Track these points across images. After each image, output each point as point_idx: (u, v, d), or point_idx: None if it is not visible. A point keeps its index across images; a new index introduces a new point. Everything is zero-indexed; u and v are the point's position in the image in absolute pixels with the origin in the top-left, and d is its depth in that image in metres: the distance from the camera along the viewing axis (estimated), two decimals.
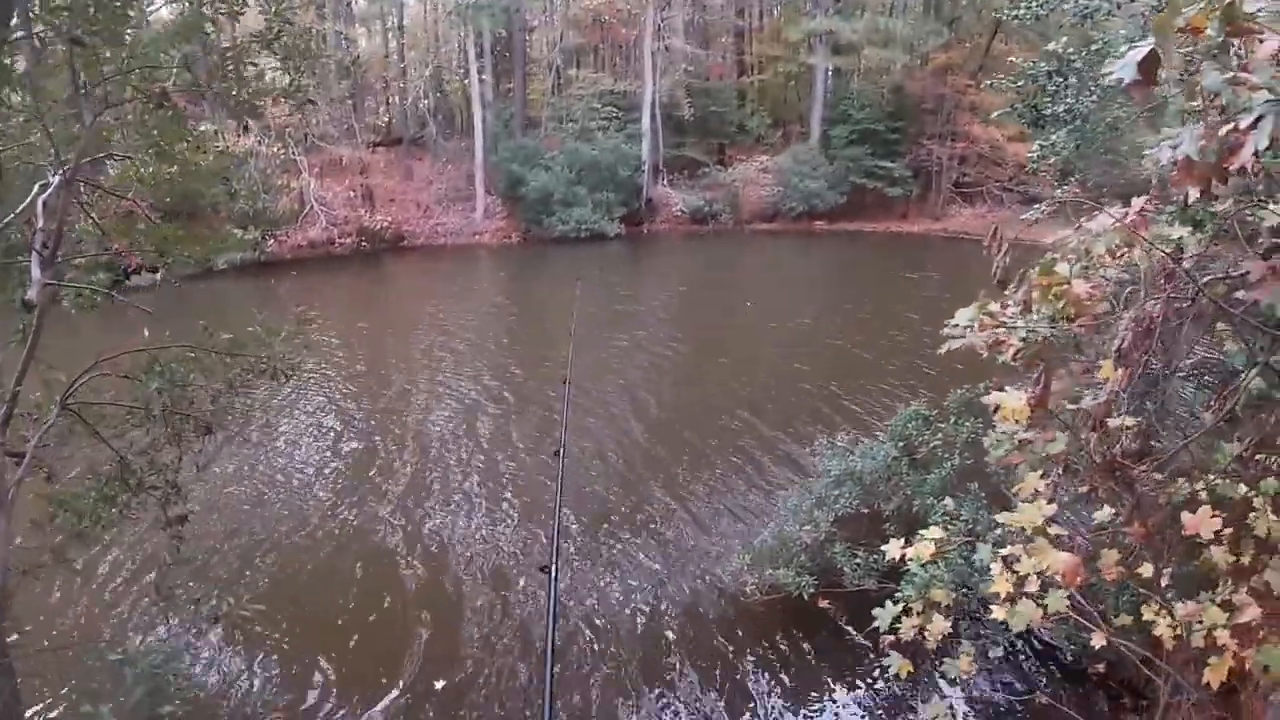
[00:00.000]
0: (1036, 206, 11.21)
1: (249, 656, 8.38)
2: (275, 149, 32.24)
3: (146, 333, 6.33)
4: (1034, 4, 10.03)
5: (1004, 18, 13.61)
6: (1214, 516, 4.48)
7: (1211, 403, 5.06)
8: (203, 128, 6.93)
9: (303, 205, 33.91)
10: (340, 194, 36.04)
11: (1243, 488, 4.70)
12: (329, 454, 13.85)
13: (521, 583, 9.82)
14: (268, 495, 12.17)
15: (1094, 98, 9.30)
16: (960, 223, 39.16)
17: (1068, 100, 9.32)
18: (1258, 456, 4.62)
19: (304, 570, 10.19)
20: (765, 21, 53.47)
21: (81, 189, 5.48)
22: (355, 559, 10.42)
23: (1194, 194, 3.22)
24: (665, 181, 41.31)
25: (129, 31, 5.28)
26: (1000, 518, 4.25)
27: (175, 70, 5.23)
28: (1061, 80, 9.31)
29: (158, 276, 6.57)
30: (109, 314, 6.69)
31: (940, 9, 44.46)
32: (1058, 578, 4.02)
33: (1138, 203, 3.98)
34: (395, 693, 7.90)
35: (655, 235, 39.46)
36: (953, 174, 43.06)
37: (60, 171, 4.97)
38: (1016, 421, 4.12)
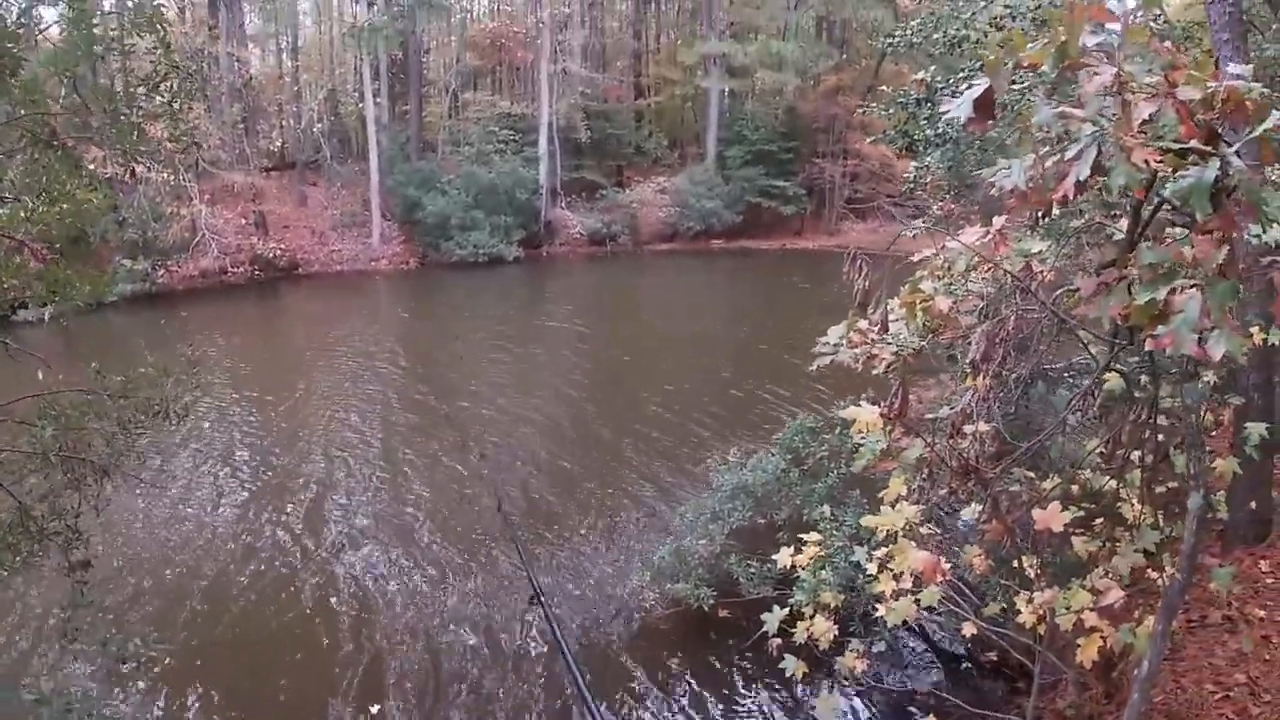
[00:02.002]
0: (914, 224, 11.79)
1: (162, 695, 8.28)
2: (165, 175, 31.26)
3: (41, 375, 6.24)
4: (908, 34, 10.58)
5: (880, 46, 14.15)
6: (1079, 507, 4.84)
7: (1068, 406, 5.44)
8: (91, 165, 6.80)
9: (194, 233, 32.81)
10: (233, 221, 35.06)
11: (1112, 482, 5.09)
12: (232, 492, 13.59)
13: (427, 610, 9.84)
14: (171, 536, 11.92)
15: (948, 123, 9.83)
16: (854, 238, 40.24)
17: (938, 126, 9.83)
18: (1118, 452, 4.98)
19: (215, 609, 10.05)
20: (662, 44, 54.30)
21: None
22: (263, 594, 10.33)
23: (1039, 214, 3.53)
24: (563, 204, 41.43)
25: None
26: (865, 521, 4.54)
27: (63, 111, 5.20)
28: (931, 106, 9.82)
29: (45, 311, 6.45)
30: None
31: (831, 33, 45.87)
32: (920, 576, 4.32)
33: (998, 221, 4.29)
34: None
35: (554, 258, 39.54)
36: (845, 191, 44.41)
37: None
38: (874, 431, 4.40)
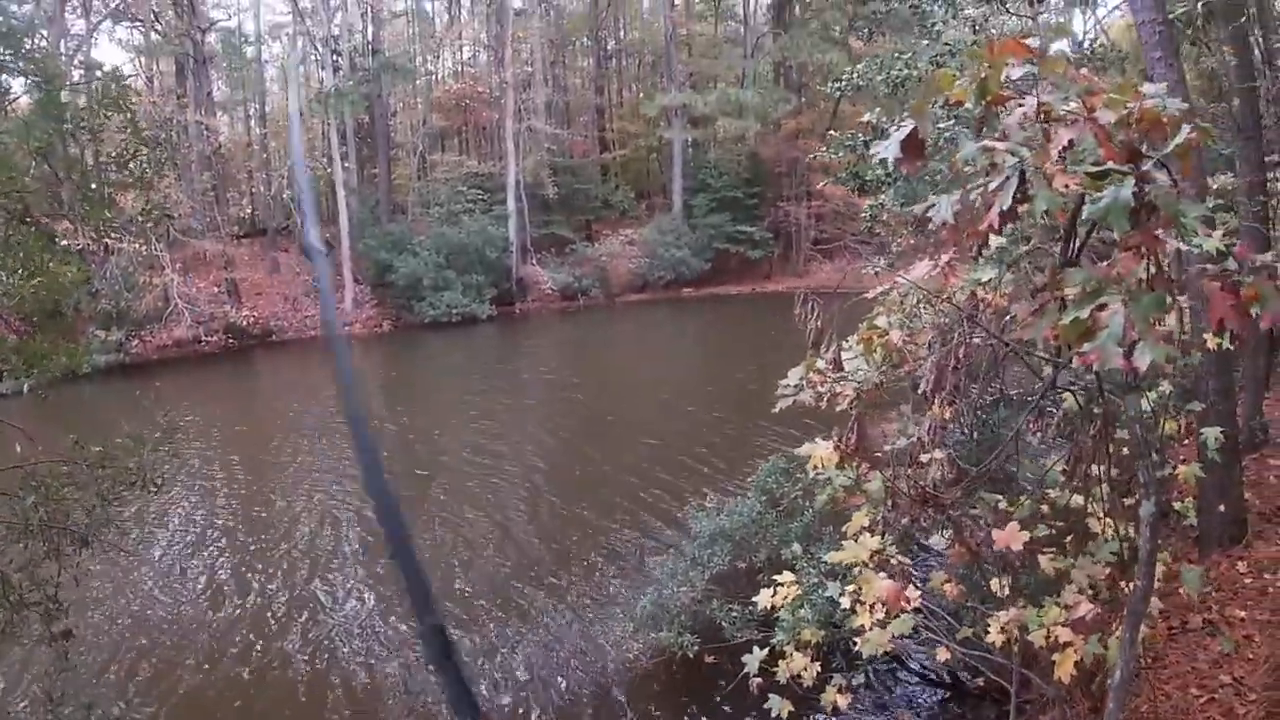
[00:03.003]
0: (873, 261, 12.06)
1: None
2: (137, 245, 31.21)
3: (19, 448, 6.29)
4: (854, 76, 10.91)
5: (829, 91, 14.51)
6: (1048, 525, 4.97)
7: (1028, 425, 5.60)
8: (64, 240, 6.92)
9: (167, 303, 32.74)
10: (205, 289, 35.12)
11: (1077, 498, 5.23)
12: (210, 560, 13.49)
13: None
14: (149, 606, 11.80)
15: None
16: (821, 278, 40.67)
17: (887, 165, 10.05)
18: (1079, 467, 5.13)
19: (192, 678, 9.96)
20: (624, 98, 55.15)
21: None
22: (242, 661, 10.24)
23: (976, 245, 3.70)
24: (534, 260, 41.72)
25: None
26: (829, 557, 4.65)
27: (34, 186, 5.32)
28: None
29: (22, 384, 6.50)
30: None
31: (789, 78, 46.75)
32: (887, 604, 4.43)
33: (946, 255, 4.46)
34: None
35: (527, 314, 39.75)
36: (811, 232, 45.01)
37: None
38: (829, 467, 4.53)
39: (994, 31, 10.60)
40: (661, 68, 49.08)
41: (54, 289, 6.62)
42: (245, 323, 34.57)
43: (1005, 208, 3.04)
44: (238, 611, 11.56)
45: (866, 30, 40.86)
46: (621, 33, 55.52)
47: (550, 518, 14.44)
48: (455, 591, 11.74)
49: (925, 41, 10.75)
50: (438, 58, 52.96)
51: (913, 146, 3.23)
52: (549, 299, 41.09)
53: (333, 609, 11.56)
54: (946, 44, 9.81)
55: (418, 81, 48.13)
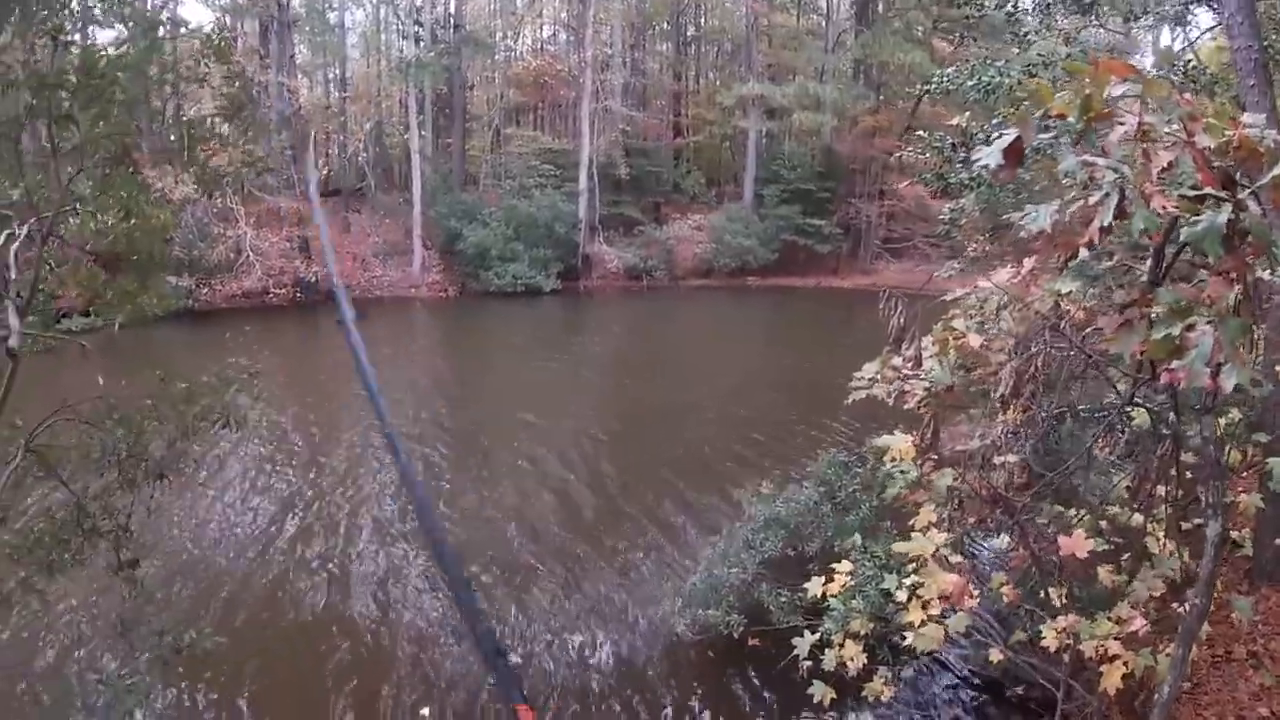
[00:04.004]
0: (950, 264, 12.01)
1: (203, 687, 8.63)
2: (213, 197, 31.97)
3: (101, 380, 6.54)
4: (944, 80, 10.85)
5: (917, 91, 14.41)
6: (1107, 540, 5.00)
7: (1098, 439, 5.61)
8: (159, 184, 7.18)
9: (239, 254, 33.63)
10: (277, 245, 35.80)
11: (1138, 517, 5.25)
12: (270, 502, 14.01)
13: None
14: (212, 539, 12.34)
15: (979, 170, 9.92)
16: (889, 277, 40.29)
17: (973, 169, 10.02)
18: (1145, 487, 5.15)
19: (251, 611, 10.40)
20: (701, 85, 55.03)
21: (54, 241, 5.70)
22: (297, 602, 10.64)
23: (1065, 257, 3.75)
24: (601, 239, 41.86)
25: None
26: (897, 547, 4.73)
27: (132, 133, 5.53)
28: (966, 150, 10.03)
29: (92, 321, 6.74)
30: (43, 358, 6.83)
31: (868, 75, 46.24)
32: (949, 600, 4.51)
33: (1029, 263, 4.51)
34: None
35: (591, 291, 39.98)
36: (881, 230, 44.58)
37: (38, 225, 5.24)
38: (909, 461, 4.61)
39: (1088, 44, 10.48)
40: (740, 57, 48.92)
41: (148, 232, 6.86)
42: (314, 278, 35.21)
43: (1106, 223, 3.10)
44: (291, 547, 12.09)
45: (959, 35, 40.40)
46: (702, 19, 55.30)
47: (605, 488, 14.70)
48: (510, 553, 12.06)
49: (1016, 49, 10.66)
50: (518, 34, 53.28)
51: (1013, 154, 3.29)
52: (613, 278, 41.26)
53: (380, 549, 12.03)
54: (1040, 55, 9.72)
55: (496, 56, 48.47)
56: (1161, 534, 4.92)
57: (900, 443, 4.62)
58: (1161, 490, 4.80)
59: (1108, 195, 3.17)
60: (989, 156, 3.22)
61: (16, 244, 5.67)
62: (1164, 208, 3.14)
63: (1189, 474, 4.98)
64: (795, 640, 5.63)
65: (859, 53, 45.04)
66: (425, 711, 8.58)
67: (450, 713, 8.57)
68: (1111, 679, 4.61)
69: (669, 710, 8.60)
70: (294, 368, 24.25)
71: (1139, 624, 4.59)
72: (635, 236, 42.88)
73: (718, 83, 52.62)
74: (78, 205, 6.23)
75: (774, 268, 42.27)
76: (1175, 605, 4.79)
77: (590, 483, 14.95)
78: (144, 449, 6.41)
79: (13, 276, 5.43)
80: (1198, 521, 5.20)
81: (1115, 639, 4.63)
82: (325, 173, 42.95)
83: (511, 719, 2.52)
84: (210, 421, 6.71)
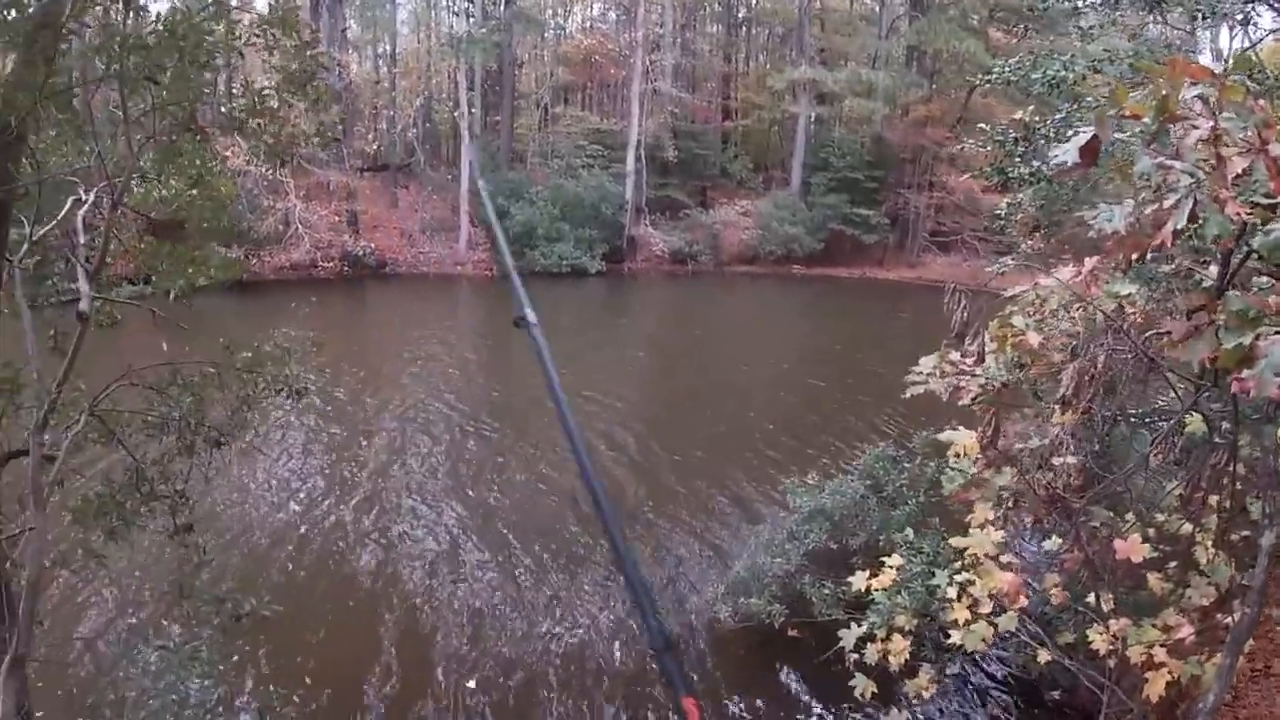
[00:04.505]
0: (1002, 260, 11.85)
1: (261, 654, 8.87)
2: (264, 169, 32.39)
3: (165, 346, 6.65)
4: (1006, 70, 10.67)
5: (978, 81, 14.19)
6: (1155, 547, 4.95)
7: (1151, 445, 5.54)
8: (227, 154, 7.30)
9: (288, 227, 34.04)
10: (325, 218, 36.20)
11: (1187, 525, 5.19)
12: (323, 471, 14.37)
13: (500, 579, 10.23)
14: (266, 508, 12.67)
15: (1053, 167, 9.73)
16: (935, 271, 39.92)
17: (1034, 163, 9.89)
18: (1196, 495, 5.08)
19: (307, 582, 10.67)
20: (751, 68, 54.62)
21: (119, 209, 5.79)
22: (350, 571, 10.93)
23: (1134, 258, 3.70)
24: (647, 221, 41.84)
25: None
26: (954, 542, 4.71)
27: (208, 98, 5.60)
28: (1028, 145, 9.89)
29: (141, 289, 6.83)
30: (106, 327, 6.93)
31: (921, 63, 45.62)
32: (1004, 599, 4.49)
33: (1090, 262, 4.46)
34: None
35: (635, 274, 40.02)
36: (929, 223, 44.03)
37: (108, 191, 5.34)
38: (967, 457, 4.58)
39: (1152, 41, 10.27)
40: (792, 41, 48.46)
41: (213, 200, 6.96)
42: (362, 253, 35.56)
43: (1180, 227, 3.07)
44: (347, 518, 12.41)
45: (1016, 25, 39.66)
46: (753, 1, 54.82)
47: (651, 470, 14.84)
48: (556, 528, 12.27)
49: (1078, 43, 10.46)
50: (568, 12, 53.25)
51: (1089, 153, 3.25)
52: (658, 261, 41.28)
53: (421, 521, 12.41)
54: (1106, 50, 9.53)
55: (547, 34, 48.44)
56: (1209, 543, 4.85)
57: (965, 438, 4.59)
58: (1213, 500, 4.73)
59: (1182, 199, 3.13)
60: (1066, 154, 3.19)
61: (84, 209, 5.81)
62: (1237, 214, 3.09)
63: (1239, 485, 4.90)
64: (841, 632, 5.63)
65: (913, 39, 44.45)
66: (471, 684, 8.72)
67: (510, 692, 8.70)
68: (1156, 686, 4.58)
69: (711, 695, 8.66)
70: (343, 340, 24.57)
71: (1186, 632, 4.55)
72: (681, 220, 42.84)
73: (768, 66, 52.20)
74: (144, 173, 6.36)
75: (819, 257, 42.00)
76: (1220, 615, 4.73)
77: (636, 463, 15.14)
78: (204, 416, 6.54)
79: (81, 241, 5.58)
80: (1245, 533, 5.13)
81: (1162, 646, 4.60)
82: (375, 147, 43.19)
83: (678, 712, 2.65)
84: (274, 390, 6.84)
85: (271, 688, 8.34)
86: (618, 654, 9.37)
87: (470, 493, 13.67)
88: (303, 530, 11.96)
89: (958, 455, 4.76)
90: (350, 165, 38.68)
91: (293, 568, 10.89)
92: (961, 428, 4.73)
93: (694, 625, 9.75)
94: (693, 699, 2.89)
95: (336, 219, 36.59)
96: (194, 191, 6.60)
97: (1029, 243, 12.03)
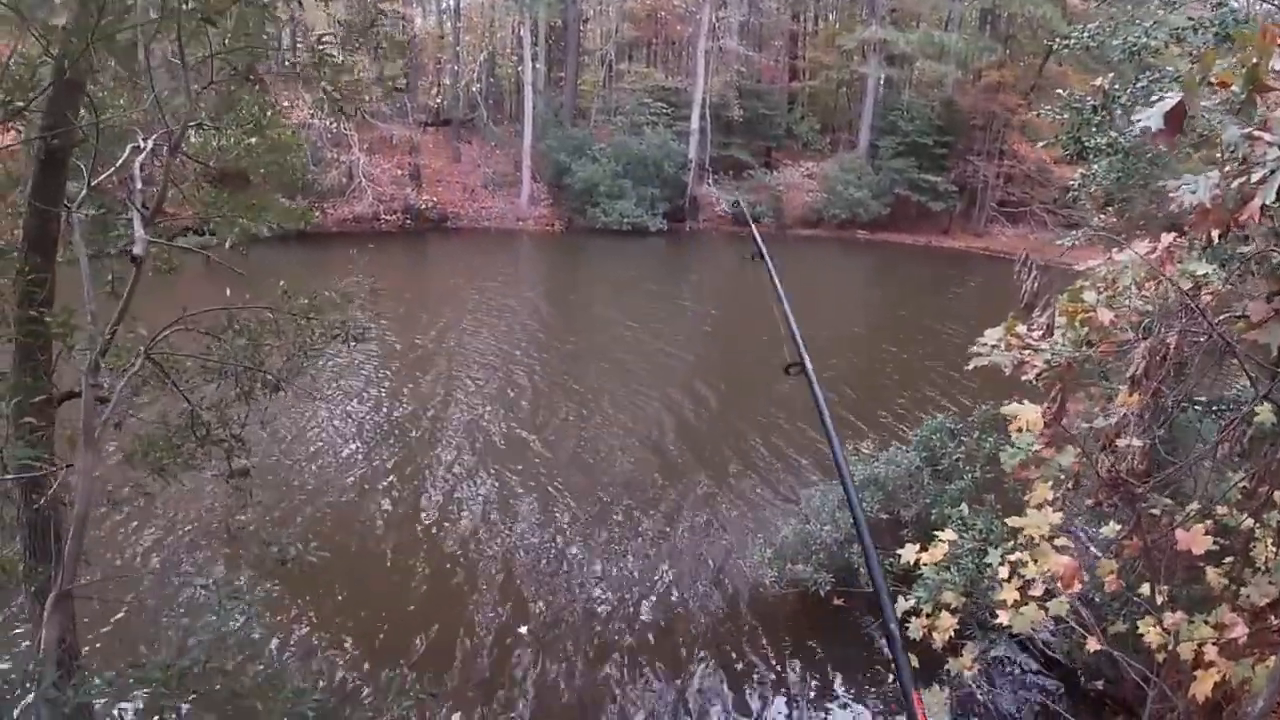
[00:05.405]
0: (1073, 233, 11.47)
1: (304, 596, 9.04)
2: (328, 122, 32.65)
3: (229, 292, 6.71)
4: (1084, 35, 10.24)
5: (1054, 46, 13.65)
6: (1213, 540, 4.73)
7: (1221, 433, 5.30)
8: (285, 103, 7.30)
9: (351, 180, 34.36)
10: (388, 171, 36.50)
11: (1248, 520, 4.96)
12: (376, 420, 14.66)
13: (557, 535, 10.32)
14: (319, 454, 12.95)
15: (1137, 133, 9.32)
16: (1002, 242, 39.03)
17: (1111, 134, 9.49)
18: (1260, 489, 4.86)
19: (352, 523, 10.87)
20: (820, 27, 53.50)
21: (179, 156, 5.79)
22: (392, 513, 11.22)
23: (1215, 234, 3.50)
24: (710, 181, 41.46)
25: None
26: (1011, 521, 4.55)
27: (269, 49, 5.56)
28: (1106, 115, 9.48)
29: (205, 240, 6.89)
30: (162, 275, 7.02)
31: (995, 26, 44.32)
32: (1058, 582, 4.33)
33: (1167, 239, 4.24)
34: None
35: (696, 233, 39.69)
36: (997, 192, 42.88)
37: (167, 138, 5.34)
38: (1030, 433, 4.41)
39: (1238, 10, 9.76)
40: (862, 0, 47.28)
41: (275, 149, 6.96)
42: (424, 206, 35.81)
43: (1269, 201, 2.88)
44: (397, 468, 12.61)
45: None
46: None
47: (707, 430, 14.92)
48: (610, 482, 12.49)
49: (1160, 11, 9.98)
50: None
51: (1175, 119, 3.05)
52: (720, 220, 40.82)
53: (475, 468, 12.61)
54: (1190, 20, 9.07)
55: None
56: (1270, 540, 4.63)
57: (1030, 413, 4.40)
58: (1278, 496, 4.50)
59: (1272, 173, 2.93)
60: (1150, 119, 2.99)
61: (141, 157, 5.83)
62: None
63: None
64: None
65: (987, 2, 43.13)
66: (524, 629, 8.81)
67: (559, 640, 8.82)
68: (1204, 685, 4.39)
69: (752, 658, 8.64)
70: (406, 290, 24.89)
71: (1240, 631, 4.35)
72: (744, 180, 42.33)
73: (837, 25, 51.02)
74: (203, 122, 6.37)
75: (884, 222, 41.27)
76: (1274, 618, 4.51)
77: (689, 420, 15.29)
78: (261, 361, 6.60)
79: (138, 187, 5.59)
80: None
81: (1214, 644, 4.41)
82: (438, 102, 43.23)
83: (908, 708, 2.66)
84: (330, 337, 6.88)
85: (320, 631, 8.52)
86: (662, 612, 9.43)
87: (532, 442, 13.90)
88: (355, 476, 12.22)
89: (1019, 431, 4.57)
90: (413, 119, 38.81)
91: (341, 512, 11.12)
92: (1027, 401, 4.54)
93: (740, 587, 9.85)
94: (918, 696, 2.89)
95: (399, 172, 36.83)
96: (253, 140, 6.62)
97: (1101, 217, 11.60)
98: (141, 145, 5.94)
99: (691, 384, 17.08)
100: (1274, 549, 4.70)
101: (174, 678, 4.45)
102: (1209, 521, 5.03)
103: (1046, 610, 4.70)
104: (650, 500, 11.86)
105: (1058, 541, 4.70)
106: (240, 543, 6.89)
